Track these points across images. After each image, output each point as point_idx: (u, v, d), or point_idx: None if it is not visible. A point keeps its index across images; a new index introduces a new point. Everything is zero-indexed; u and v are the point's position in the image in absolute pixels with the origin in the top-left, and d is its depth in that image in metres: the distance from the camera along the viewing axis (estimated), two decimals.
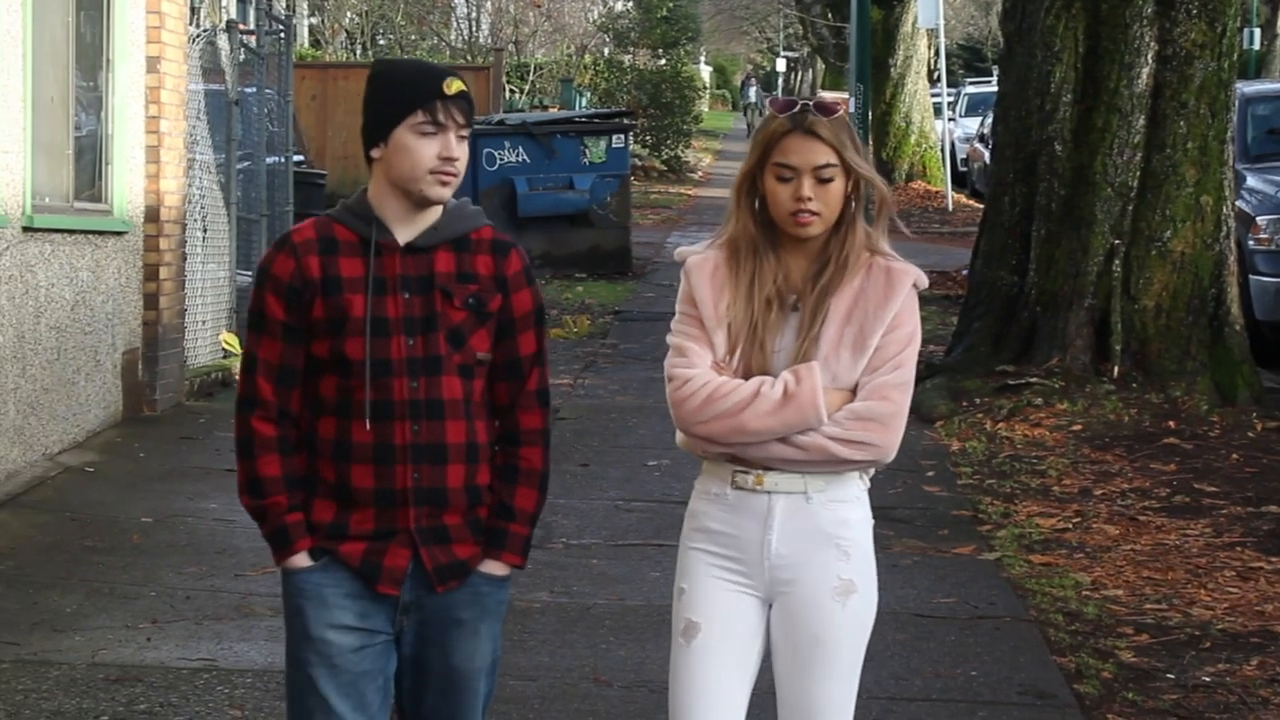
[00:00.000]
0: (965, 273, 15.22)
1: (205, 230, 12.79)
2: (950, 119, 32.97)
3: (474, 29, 48.28)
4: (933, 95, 34.35)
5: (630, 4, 46.79)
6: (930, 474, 9.90)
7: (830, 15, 39.57)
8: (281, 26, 16.11)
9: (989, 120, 25.32)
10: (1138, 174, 11.85)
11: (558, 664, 6.71)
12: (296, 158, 16.92)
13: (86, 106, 10.83)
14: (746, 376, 3.96)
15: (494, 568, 3.98)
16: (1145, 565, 8.21)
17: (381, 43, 44.82)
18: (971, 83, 43.93)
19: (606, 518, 9.10)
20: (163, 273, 11.47)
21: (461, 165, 3.92)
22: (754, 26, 72.82)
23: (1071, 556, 8.37)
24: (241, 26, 14.60)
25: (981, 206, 16.49)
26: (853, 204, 3.98)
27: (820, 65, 51.58)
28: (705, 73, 70.11)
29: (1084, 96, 12.02)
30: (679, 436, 4.07)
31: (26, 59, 9.56)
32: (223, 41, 13.59)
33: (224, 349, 12.74)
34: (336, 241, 3.92)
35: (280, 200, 15.21)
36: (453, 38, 47.33)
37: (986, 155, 25.57)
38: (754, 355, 3.97)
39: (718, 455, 4.01)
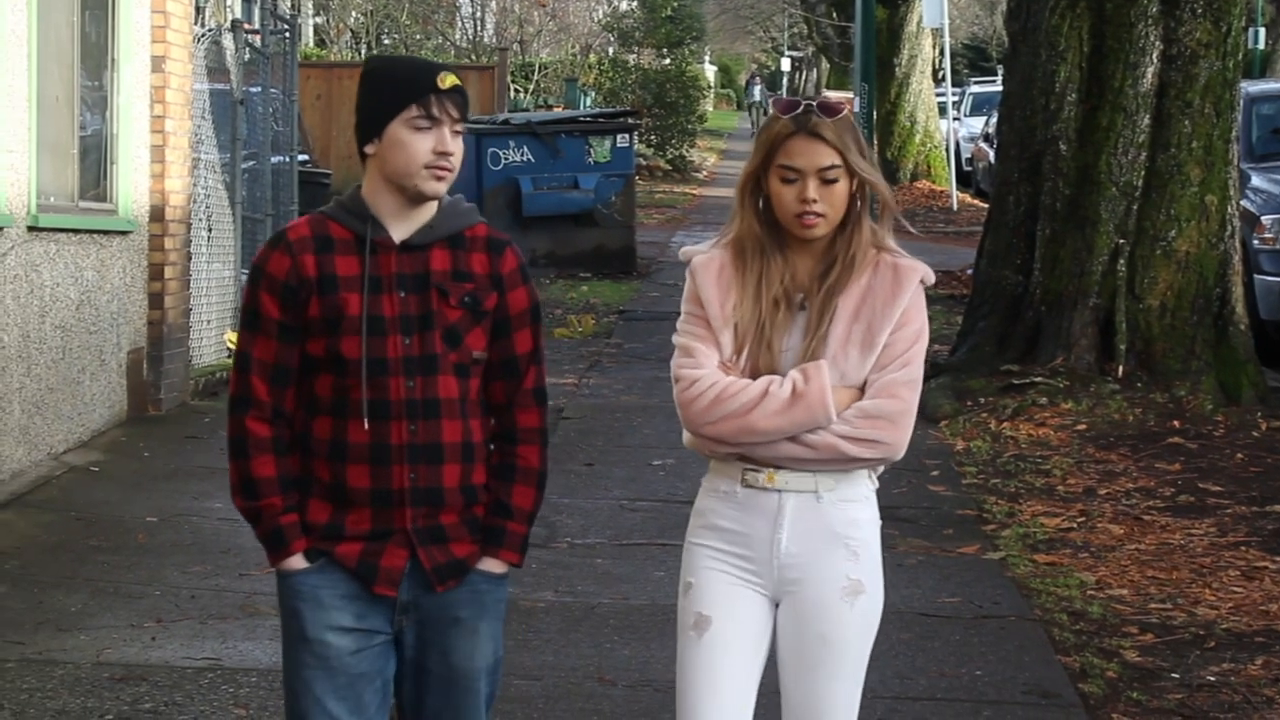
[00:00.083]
0: (970, 272, 15.23)
1: (210, 230, 12.80)
2: (955, 118, 33.01)
3: (479, 28, 48.27)
4: (937, 95, 34.35)
5: (635, 3, 46.81)
6: (935, 473, 9.90)
7: (835, 14, 39.59)
8: (286, 26, 16.13)
9: (994, 120, 25.29)
10: (1142, 173, 11.85)
11: (562, 663, 6.71)
12: (301, 157, 16.93)
13: (91, 106, 10.84)
14: (754, 376, 3.94)
15: (492, 565, 3.95)
16: (1150, 565, 8.21)
17: (386, 42, 44.83)
18: (976, 82, 43.89)
19: (611, 517, 9.10)
20: (168, 272, 11.48)
21: (456, 160, 3.87)
22: (758, 26, 72.80)
23: (1076, 556, 8.36)
24: (246, 26, 14.62)
25: (986, 206, 16.50)
26: (858, 203, 3.97)
27: (825, 65, 51.59)
28: (710, 72, 70.13)
29: (1089, 96, 12.02)
30: (686, 436, 4.06)
31: (32, 58, 9.57)
32: (228, 41, 13.60)
33: (229, 348, 12.74)
34: (332, 239, 3.89)
35: (285, 200, 15.22)
36: (457, 37, 47.32)
37: (991, 155, 25.56)
38: (761, 355, 3.95)
39: (727, 454, 4.01)
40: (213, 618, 7.21)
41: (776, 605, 4.03)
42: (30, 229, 9.55)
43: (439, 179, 3.85)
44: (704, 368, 3.96)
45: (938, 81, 35.34)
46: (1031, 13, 12.39)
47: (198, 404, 11.83)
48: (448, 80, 3.85)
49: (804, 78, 70.06)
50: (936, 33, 32.66)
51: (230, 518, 8.57)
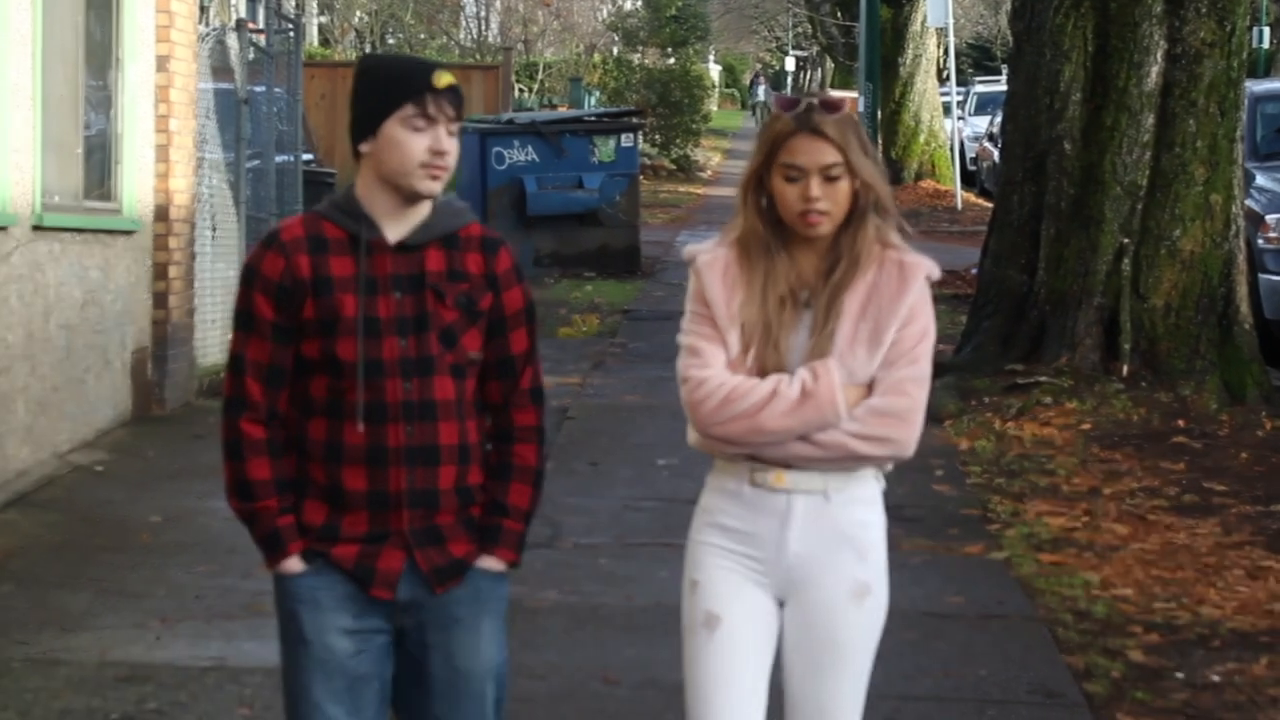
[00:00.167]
0: (974, 272, 15.23)
1: (214, 229, 12.80)
2: (959, 118, 32.99)
3: (483, 28, 48.31)
4: (942, 94, 34.34)
5: (639, 3, 46.84)
6: (939, 473, 9.90)
7: (839, 14, 39.60)
8: (291, 25, 16.12)
9: (998, 119, 25.29)
10: (1147, 173, 11.84)
11: (566, 663, 6.71)
12: (306, 156, 16.92)
13: (96, 105, 10.84)
14: (761, 375, 3.92)
15: (490, 563, 3.93)
16: (1154, 564, 8.20)
17: (391, 41, 44.88)
18: (981, 81, 43.91)
19: (615, 517, 9.10)
20: (172, 271, 11.48)
21: (452, 159, 3.84)
22: (763, 25, 72.83)
23: (1080, 555, 8.36)
24: (251, 25, 14.63)
25: (990, 205, 16.48)
26: (861, 200, 3.94)
27: (829, 64, 51.56)
28: (714, 71, 70.11)
29: (1093, 95, 12.01)
30: (691, 435, 4.04)
31: (36, 58, 9.57)
32: (232, 40, 13.60)
33: None
34: (326, 239, 3.86)
35: (289, 199, 15.21)
36: (462, 36, 47.36)
37: (996, 154, 25.54)
38: (768, 354, 3.93)
39: (736, 454, 3.98)
40: (218, 617, 7.21)
41: (781, 604, 4.02)
42: (35, 228, 9.56)
43: (434, 178, 3.82)
44: (711, 368, 3.94)
45: (942, 81, 35.33)
46: (1036, 12, 12.39)
47: (202, 403, 11.83)
48: (443, 79, 3.82)
49: (808, 77, 70.04)
50: (941, 32, 32.69)
51: (235, 517, 8.57)
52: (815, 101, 3.94)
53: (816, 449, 3.91)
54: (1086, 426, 11.01)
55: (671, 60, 42.76)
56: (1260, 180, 14.68)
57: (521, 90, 39.61)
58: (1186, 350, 11.70)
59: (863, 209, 3.95)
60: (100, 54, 10.80)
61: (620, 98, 36.93)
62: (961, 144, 33.09)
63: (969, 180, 32.92)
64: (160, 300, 11.40)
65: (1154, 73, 11.82)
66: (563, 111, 28.63)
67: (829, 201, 3.90)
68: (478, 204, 19.21)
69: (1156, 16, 11.80)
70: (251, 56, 13.99)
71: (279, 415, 3.88)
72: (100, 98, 10.89)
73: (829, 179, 3.89)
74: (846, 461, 3.94)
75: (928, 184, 32.69)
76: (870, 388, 3.93)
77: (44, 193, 9.69)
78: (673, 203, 31.46)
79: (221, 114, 13.14)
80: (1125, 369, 11.60)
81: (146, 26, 11.22)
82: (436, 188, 3.85)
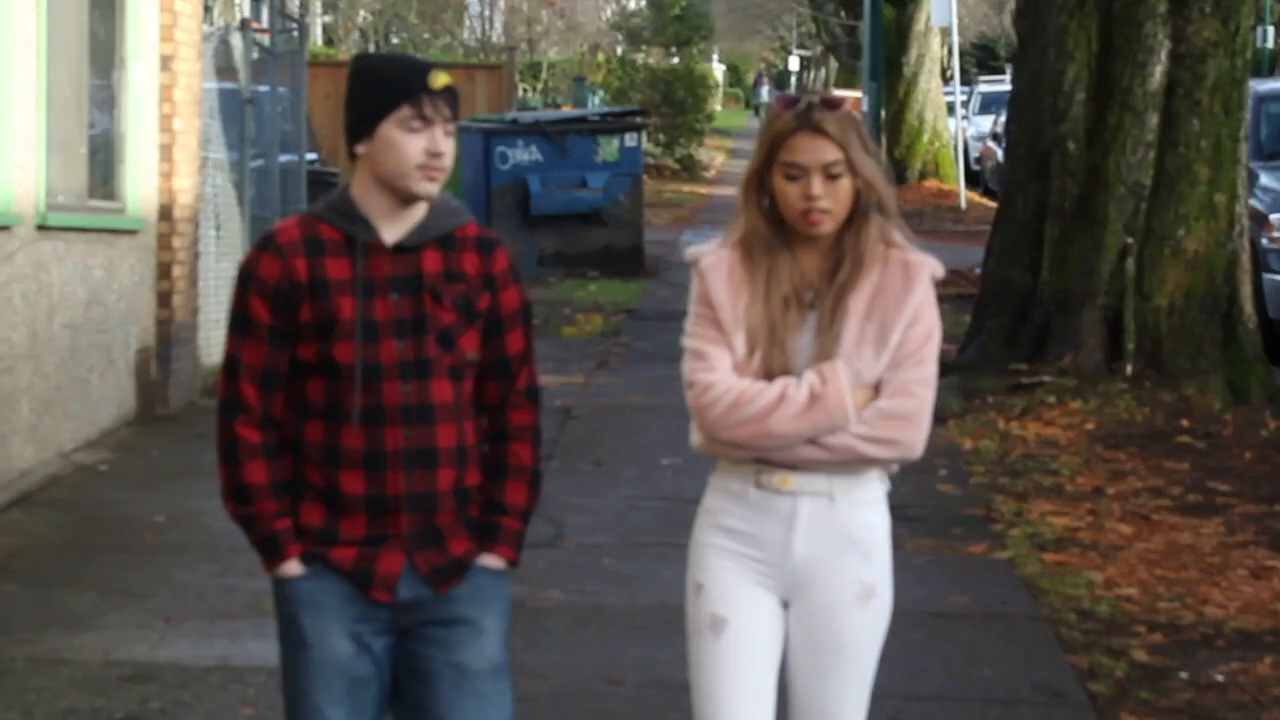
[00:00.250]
0: (978, 271, 15.20)
1: (219, 228, 12.81)
2: (963, 117, 32.97)
3: (487, 27, 48.33)
4: (946, 93, 34.34)
5: (643, 2, 46.85)
6: (943, 472, 9.90)
7: (843, 13, 39.62)
8: (295, 25, 16.13)
9: (1002, 119, 25.28)
10: (1151, 172, 11.83)
11: (570, 663, 6.71)
12: (310, 156, 16.93)
13: (100, 105, 10.85)
14: (767, 377, 3.89)
15: (490, 560, 3.91)
16: (1158, 564, 8.20)
17: (395, 41, 44.91)
18: (985, 81, 43.88)
19: (619, 516, 9.10)
20: (176, 271, 11.48)
21: (449, 160, 3.82)
22: (767, 25, 72.78)
23: (1084, 555, 8.35)
24: (255, 25, 14.63)
25: (994, 205, 16.47)
26: (863, 198, 3.91)
27: (833, 63, 51.57)
28: (718, 71, 70.10)
29: (1097, 95, 12.00)
30: (694, 438, 4.01)
31: (40, 58, 9.58)
32: (236, 40, 13.61)
33: None
34: (322, 241, 3.83)
35: (294, 198, 15.21)
36: (466, 36, 47.38)
37: (1000, 154, 25.55)
38: (774, 356, 3.90)
39: (742, 457, 3.96)
40: (221, 617, 7.21)
41: (785, 606, 4.01)
42: (39, 228, 9.56)
43: (431, 180, 3.80)
44: (717, 371, 3.91)
45: (946, 80, 35.34)
46: (1040, 12, 12.38)
47: (206, 403, 11.81)
48: (439, 80, 3.79)
49: (812, 77, 70.03)
50: (945, 31, 32.67)
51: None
52: (815, 99, 3.92)
53: (824, 451, 3.90)
54: (1090, 426, 11.01)
55: (675, 60, 42.74)
56: (1264, 180, 14.67)
57: (525, 90, 39.61)
58: (1190, 350, 11.69)
59: (865, 208, 3.92)
60: (104, 53, 10.80)
61: (624, 97, 36.93)
62: (965, 143, 33.05)
63: (973, 180, 32.90)
64: (164, 300, 11.40)
65: (1158, 72, 11.81)
66: (566, 111, 28.60)
67: (831, 200, 3.87)
68: (481, 204, 19.22)
69: (1160, 16, 11.78)
70: (255, 56, 13.99)
71: (275, 418, 3.86)
72: (104, 97, 10.89)
73: (830, 177, 3.87)
74: (854, 464, 3.93)
75: (931, 184, 32.68)
76: (876, 389, 3.91)
77: (48, 192, 9.70)
78: (676, 202, 31.46)
79: (225, 113, 13.15)
80: (1129, 369, 11.59)
81: (150, 26, 11.22)
82: (434, 189, 3.82)
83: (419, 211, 3.86)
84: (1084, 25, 12.03)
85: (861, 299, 3.91)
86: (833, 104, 3.91)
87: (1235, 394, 11.58)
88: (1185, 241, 11.79)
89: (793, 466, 3.93)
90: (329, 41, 46.00)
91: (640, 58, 42.57)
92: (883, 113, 28.89)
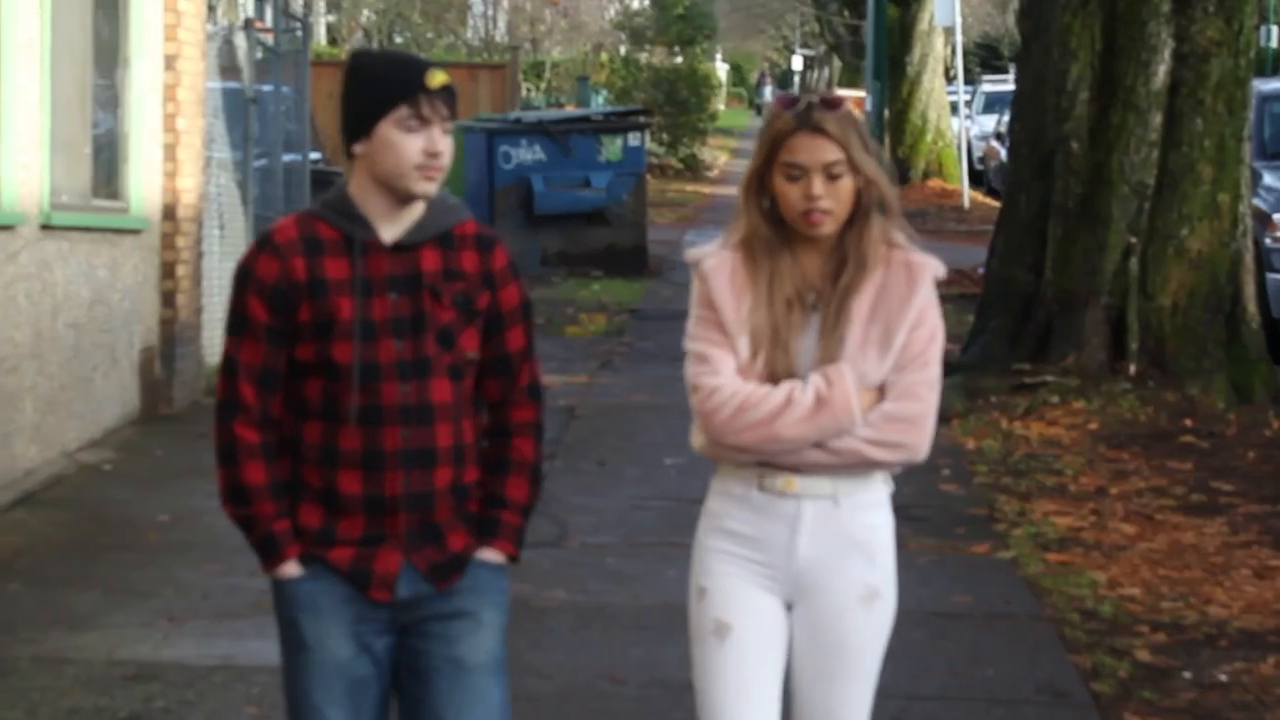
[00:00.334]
0: (981, 271, 15.20)
1: (222, 228, 12.82)
2: (967, 117, 32.95)
3: (490, 27, 48.34)
4: (949, 93, 34.35)
5: (647, 2, 46.86)
6: (946, 472, 9.89)
7: (847, 13, 39.63)
8: (299, 24, 16.14)
9: (1005, 118, 25.28)
10: (1154, 172, 11.83)
11: (573, 662, 6.71)
12: (314, 155, 16.93)
13: (104, 104, 10.85)
14: (771, 380, 3.88)
15: (489, 555, 3.89)
16: (1162, 564, 8.20)
17: (399, 40, 44.92)
18: (988, 80, 43.88)
19: (623, 516, 9.10)
20: (179, 270, 11.49)
21: (447, 159, 3.79)
22: (770, 24, 72.75)
23: (1088, 555, 8.35)
24: (259, 24, 14.62)
25: (998, 204, 16.48)
26: (865, 198, 3.89)
27: (837, 63, 51.58)
28: (722, 70, 70.11)
29: (1101, 94, 12.00)
30: (696, 440, 4.00)
31: (44, 57, 9.58)
32: (240, 39, 13.61)
33: None
34: (320, 241, 3.81)
35: (297, 198, 15.22)
36: (469, 35, 47.39)
37: (1003, 153, 25.54)
38: (778, 358, 3.88)
39: (746, 460, 3.95)
40: (225, 616, 7.21)
41: (789, 608, 3.99)
42: (43, 227, 9.56)
43: (429, 179, 3.78)
44: (722, 375, 3.89)
45: (949, 80, 35.32)
46: (1043, 11, 12.38)
47: (210, 402, 11.81)
48: (436, 79, 3.77)
49: (816, 76, 70.00)
50: (948, 31, 32.67)
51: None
52: (815, 99, 3.90)
53: (829, 455, 3.88)
54: (1094, 426, 11.01)
55: (679, 59, 42.75)
56: (1268, 179, 14.68)
57: (529, 89, 39.62)
58: (1194, 350, 11.69)
59: (866, 208, 3.90)
60: (108, 53, 10.80)
61: (627, 97, 36.93)
62: (969, 143, 33.05)
63: (976, 179, 32.90)
64: (168, 299, 11.40)
65: (1161, 72, 11.81)
66: (570, 111, 28.61)
67: (832, 200, 3.85)
68: (485, 203, 19.23)
69: (1164, 15, 11.78)
70: (259, 55, 13.99)
71: (273, 418, 3.84)
72: (108, 97, 10.90)
73: (831, 177, 3.84)
74: (859, 467, 3.92)
75: (935, 183, 32.68)
76: (880, 391, 3.90)
77: (52, 192, 9.70)
78: (680, 202, 31.47)
79: (229, 113, 13.15)
80: (1132, 368, 11.59)
81: (154, 25, 11.22)
82: (432, 189, 3.80)
83: (417, 210, 3.84)
84: (1087, 24, 12.03)
85: (865, 301, 3.90)
86: (832, 103, 3.89)
87: (1239, 394, 11.58)
88: (1189, 241, 11.78)
89: (796, 469, 3.91)
90: (333, 41, 46.02)
91: (644, 57, 42.58)
92: (886, 112, 28.90)
